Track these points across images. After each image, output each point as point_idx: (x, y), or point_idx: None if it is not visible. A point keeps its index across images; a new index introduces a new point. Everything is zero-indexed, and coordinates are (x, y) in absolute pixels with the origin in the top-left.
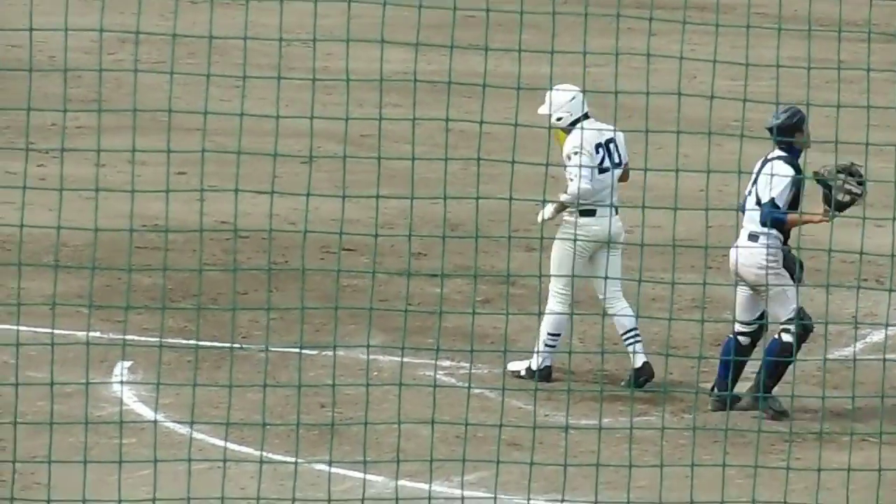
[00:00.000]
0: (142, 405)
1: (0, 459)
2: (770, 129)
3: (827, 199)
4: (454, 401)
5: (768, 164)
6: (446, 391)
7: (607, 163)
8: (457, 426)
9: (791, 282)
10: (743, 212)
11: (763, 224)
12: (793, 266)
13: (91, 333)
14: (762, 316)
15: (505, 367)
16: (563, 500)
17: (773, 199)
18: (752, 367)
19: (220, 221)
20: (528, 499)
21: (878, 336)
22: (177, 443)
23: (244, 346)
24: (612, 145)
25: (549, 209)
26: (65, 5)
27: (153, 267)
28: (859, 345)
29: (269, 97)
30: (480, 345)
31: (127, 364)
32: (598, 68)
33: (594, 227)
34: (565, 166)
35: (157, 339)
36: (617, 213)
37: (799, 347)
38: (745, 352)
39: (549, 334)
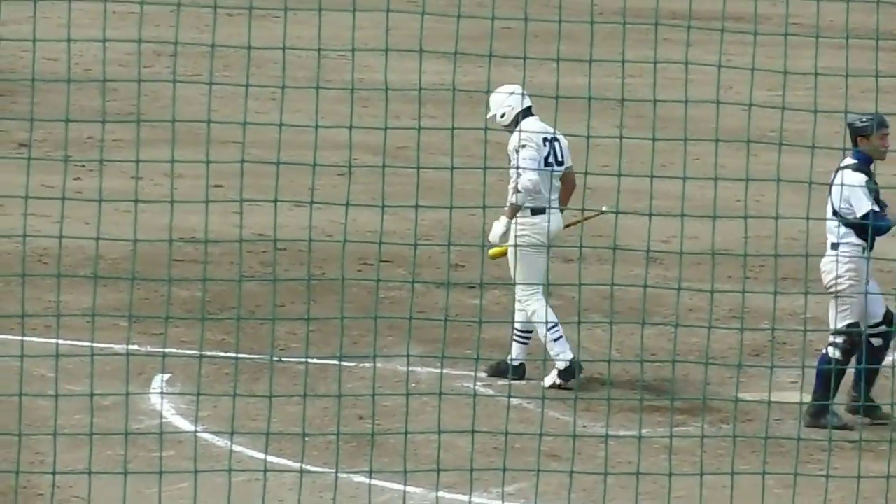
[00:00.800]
0: (180, 418)
1: (38, 471)
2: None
3: None
4: (491, 412)
5: (839, 174)
6: (483, 402)
7: (552, 158)
8: (494, 438)
9: (862, 292)
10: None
11: (876, 235)
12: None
13: (125, 346)
14: (888, 316)
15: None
16: None
17: (871, 211)
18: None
19: (258, 234)
20: None
21: None
22: (215, 455)
23: (283, 358)
24: (556, 144)
25: (501, 225)
26: (102, 18)
27: (192, 278)
28: None
29: (305, 109)
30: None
31: (165, 377)
32: (632, 79)
33: (545, 224)
34: (514, 166)
35: (195, 352)
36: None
37: (847, 360)
38: (878, 353)
39: (549, 330)
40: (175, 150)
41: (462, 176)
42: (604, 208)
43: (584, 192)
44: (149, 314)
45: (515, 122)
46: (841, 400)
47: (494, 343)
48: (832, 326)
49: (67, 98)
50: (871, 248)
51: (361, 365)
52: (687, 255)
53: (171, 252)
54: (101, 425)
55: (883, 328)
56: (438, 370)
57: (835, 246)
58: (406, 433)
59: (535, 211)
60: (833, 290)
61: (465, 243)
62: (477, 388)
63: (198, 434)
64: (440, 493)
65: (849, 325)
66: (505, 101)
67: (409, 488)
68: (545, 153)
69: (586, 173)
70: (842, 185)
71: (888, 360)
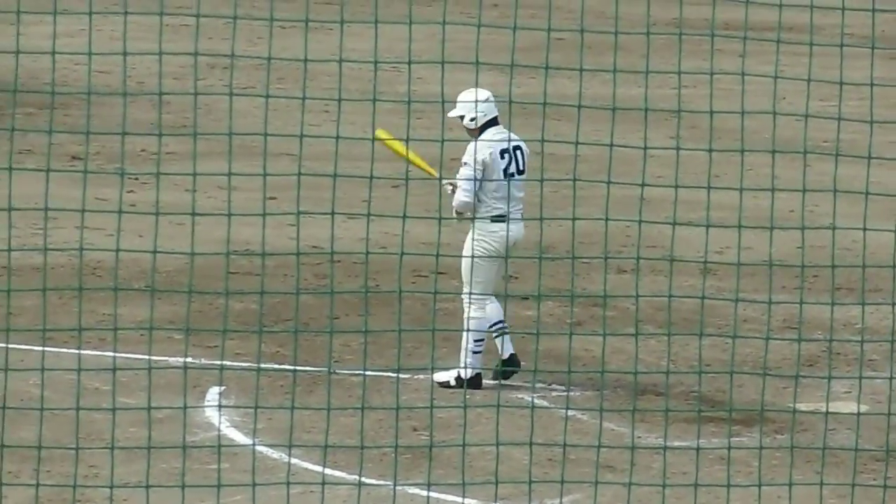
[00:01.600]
0: (235, 430)
1: (94, 485)
2: None
3: None
4: (546, 423)
5: None
6: (538, 414)
7: (513, 168)
8: (548, 449)
9: None
10: None
11: None
12: None
13: (180, 360)
14: None
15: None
16: None
17: None
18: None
19: (312, 246)
20: None
21: None
22: (270, 467)
23: (338, 370)
24: (518, 152)
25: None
26: (153, 31)
27: (248, 291)
28: None
29: (358, 122)
30: (573, 368)
31: (220, 389)
32: (685, 90)
33: (502, 232)
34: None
35: (250, 364)
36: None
37: None
38: None
39: (475, 341)
40: (226, 163)
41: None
42: (443, 182)
43: (640, 204)
44: (204, 327)
45: (481, 130)
46: None
47: (548, 355)
48: None
49: (124, 111)
50: None
51: (416, 377)
52: (743, 265)
53: (228, 265)
54: (156, 438)
55: None
56: (492, 382)
57: None
58: (464, 445)
59: (495, 219)
60: None
61: (519, 257)
62: (532, 399)
63: (253, 447)
64: None
65: None
66: (480, 104)
67: (467, 500)
68: (504, 164)
69: (643, 185)
70: None
71: None
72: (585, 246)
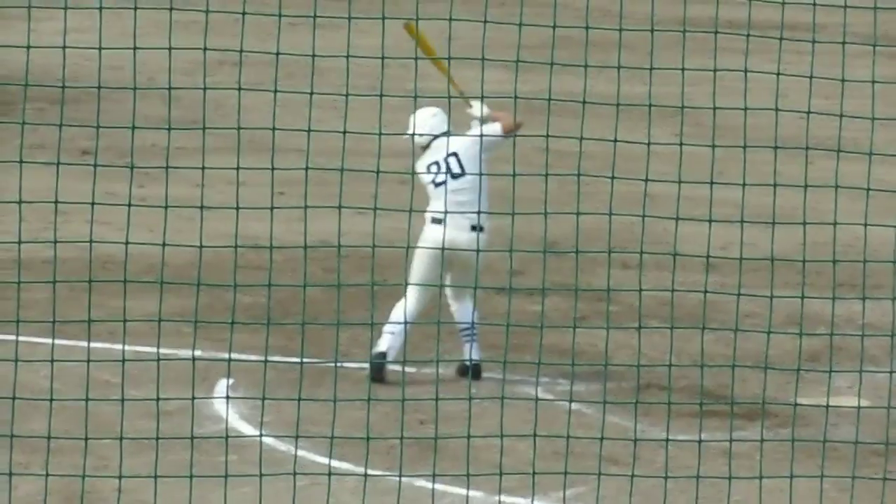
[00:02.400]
0: (243, 423)
1: (104, 475)
2: None
3: None
4: (550, 416)
5: None
6: (542, 407)
7: (441, 178)
8: (552, 442)
9: None
10: None
11: None
12: None
13: (189, 352)
14: None
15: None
16: None
17: None
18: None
19: (320, 241)
20: None
21: None
22: (278, 459)
23: (345, 363)
24: (452, 158)
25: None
26: (162, 27)
27: (257, 284)
28: None
29: (366, 118)
30: (577, 362)
31: (229, 382)
32: (688, 88)
33: (438, 235)
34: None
35: (258, 358)
36: (476, 225)
37: None
38: None
39: (391, 322)
40: (235, 158)
41: (520, 185)
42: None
43: (644, 200)
44: (213, 320)
45: (428, 144)
46: None
47: (552, 349)
48: None
49: (134, 105)
50: None
51: (422, 371)
52: (746, 260)
53: (237, 259)
54: (165, 430)
55: None
56: (498, 376)
57: None
58: (469, 437)
59: (434, 220)
60: None
61: (524, 253)
62: (536, 392)
63: (264, 439)
64: (500, 498)
65: None
66: (427, 121)
67: (472, 492)
68: (430, 178)
69: (647, 180)
70: None
71: None
72: (590, 242)
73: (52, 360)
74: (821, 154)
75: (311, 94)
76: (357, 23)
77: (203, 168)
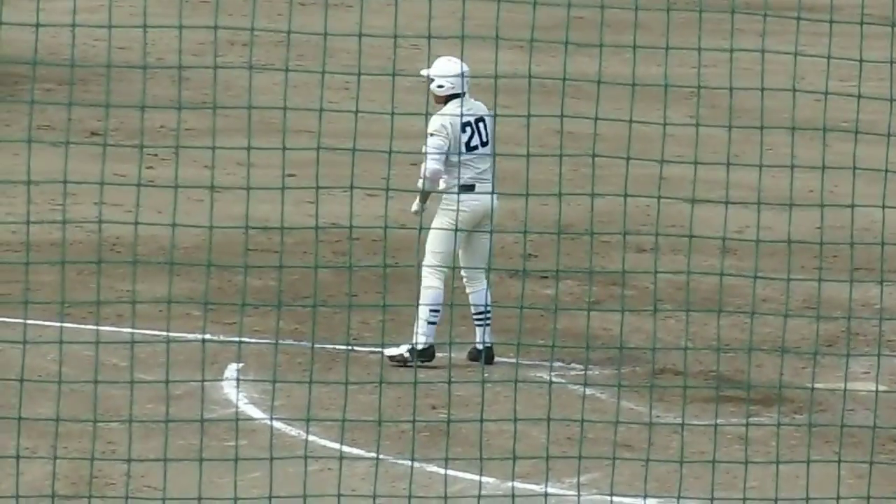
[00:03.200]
0: (252, 407)
1: (112, 459)
2: None
3: None
4: (564, 402)
5: None
6: (556, 392)
7: (475, 140)
8: (566, 428)
9: None
10: None
11: None
12: None
13: (199, 336)
14: None
15: (548, 363)
16: (679, 498)
17: None
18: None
19: (330, 223)
20: (645, 496)
21: None
22: (288, 444)
23: (356, 346)
24: (481, 124)
25: (416, 203)
26: (172, 7)
27: (268, 265)
28: None
29: (378, 99)
30: (591, 346)
31: (238, 366)
32: (704, 69)
33: (473, 202)
34: (423, 146)
35: (268, 340)
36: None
37: None
38: None
39: (430, 311)
40: (245, 139)
41: (533, 168)
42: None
43: (660, 181)
44: (223, 302)
45: (446, 99)
46: None
47: (566, 333)
48: None
49: (143, 86)
50: None
51: (439, 355)
52: (763, 243)
53: (248, 241)
54: (173, 415)
55: None
56: (511, 360)
57: None
58: (482, 421)
59: (463, 189)
60: None
61: (538, 234)
62: (550, 377)
63: (270, 423)
64: (514, 483)
65: None
66: (450, 72)
67: (484, 478)
68: (466, 137)
69: (662, 161)
70: None
71: None
72: (604, 225)
73: (61, 342)
74: (837, 136)
75: (323, 73)
76: (368, 2)
77: (214, 148)
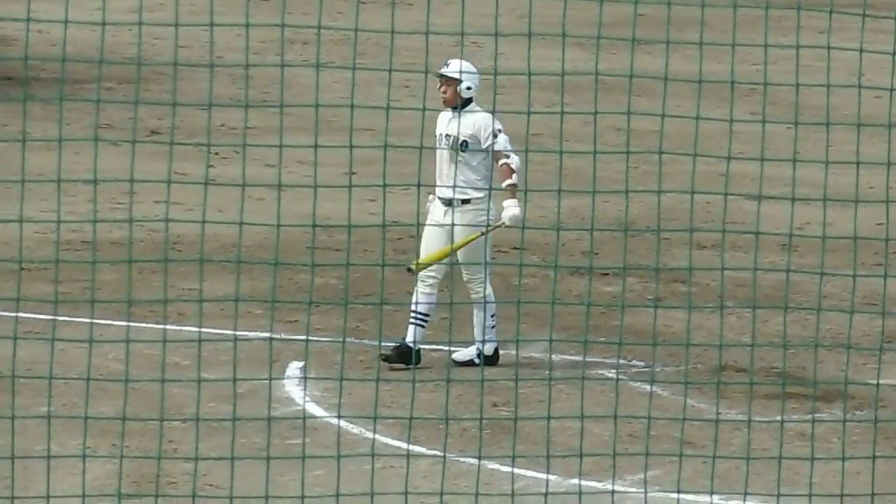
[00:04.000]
0: (314, 405)
1: (177, 458)
2: None
3: None
4: (626, 399)
5: None
6: (611, 390)
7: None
8: (628, 425)
9: None
10: None
11: None
12: None
13: (262, 334)
14: None
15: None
16: (745, 495)
17: None
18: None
19: (392, 221)
20: (711, 492)
21: None
22: (350, 442)
23: (422, 345)
24: None
25: (515, 206)
26: (232, 6)
27: (335, 263)
28: None
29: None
30: (657, 343)
31: (299, 364)
32: (763, 66)
33: (491, 208)
34: (484, 148)
35: (334, 339)
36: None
37: None
38: None
39: (491, 316)
40: (307, 138)
41: (592, 164)
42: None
43: (727, 177)
44: (288, 301)
45: (465, 102)
46: None
47: (628, 330)
48: None
49: (210, 84)
50: None
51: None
52: (829, 239)
53: (305, 241)
54: (236, 413)
55: None
56: (572, 357)
57: None
58: (549, 418)
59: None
60: None
61: (601, 232)
62: (611, 375)
63: (333, 421)
64: (575, 481)
65: None
66: (476, 79)
67: (545, 475)
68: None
69: (729, 158)
70: None
71: None
72: (665, 222)
73: (128, 341)
74: None
75: (391, 71)
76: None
77: (280, 147)
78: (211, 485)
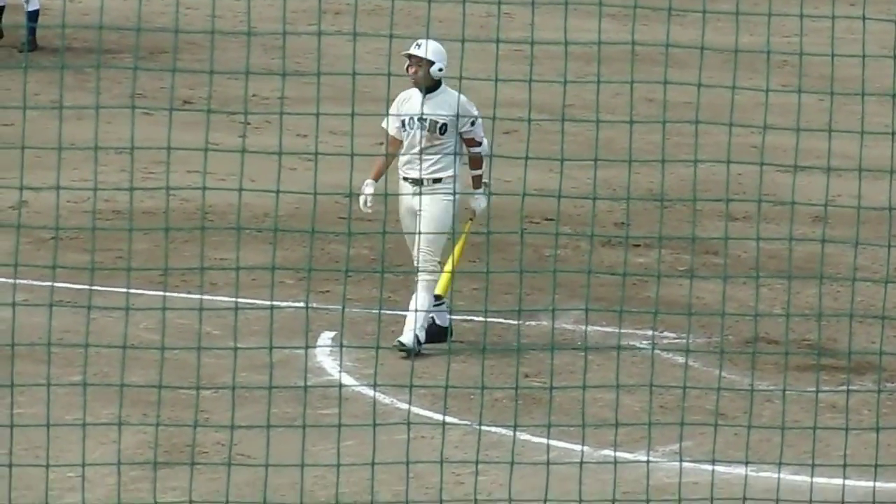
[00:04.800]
0: (346, 375)
1: (210, 425)
2: None
3: None
4: (657, 370)
5: None
6: (647, 360)
7: None
8: (658, 396)
9: None
10: None
11: None
12: None
13: (296, 304)
14: None
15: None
16: (780, 464)
17: None
18: None
19: None
20: (746, 462)
21: None
22: (381, 413)
23: (453, 315)
24: None
25: (483, 199)
26: None
27: (372, 231)
28: None
29: (470, 68)
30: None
31: (331, 334)
32: (794, 38)
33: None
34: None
35: (365, 309)
36: None
37: None
38: None
39: (436, 297)
40: (338, 108)
41: (624, 135)
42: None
43: (762, 148)
44: (324, 269)
45: (437, 83)
46: None
47: (661, 301)
48: None
49: (248, 52)
50: None
51: (527, 323)
52: (856, 211)
53: (336, 211)
54: (266, 383)
55: None
56: (603, 328)
57: None
58: (584, 387)
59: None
60: None
61: (633, 203)
62: (642, 345)
63: (364, 391)
64: (607, 451)
65: None
66: (444, 59)
67: (577, 446)
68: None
69: (765, 127)
70: None
71: None
72: (697, 193)
73: (164, 309)
74: None
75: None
76: None
77: (318, 114)
78: (242, 454)
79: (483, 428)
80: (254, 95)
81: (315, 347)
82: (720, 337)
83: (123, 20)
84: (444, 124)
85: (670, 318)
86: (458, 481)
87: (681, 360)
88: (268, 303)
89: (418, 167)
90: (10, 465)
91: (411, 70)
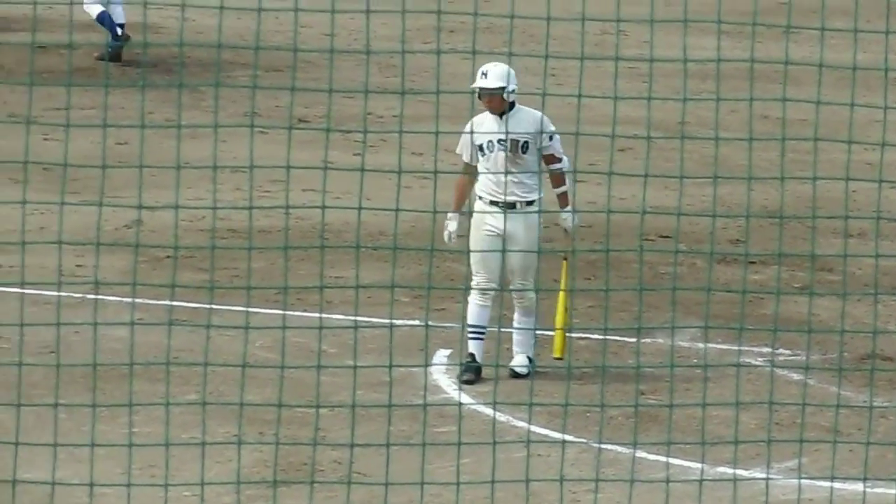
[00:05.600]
0: (462, 393)
1: (327, 444)
2: None
3: None
4: (762, 388)
5: None
6: (760, 378)
7: None
8: (774, 414)
9: None
10: None
11: None
12: None
13: (411, 322)
14: None
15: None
16: None
17: None
18: None
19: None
20: (865, 478)
21: None
22: (498, 431)
23: (573, 332)
24: None
25: (571, 216)
26: None
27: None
28: None
29: (584, 85)
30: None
31: (447, 352)
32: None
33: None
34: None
35: (490, 326)
36: None
37: None
38: None
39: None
40: (453, 126)
41: (739, 153)
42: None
43: (881, 165)
44: (442, 287)
45: (512, 104)
46: None
47: (778, 318)
48: None
49: (367, 70)
50: None
51: (643, 341)
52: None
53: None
54: (382, 401)
55: None
56: (718, 346)
57: None
58: (704, 405)
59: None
60: None
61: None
62: (756, 363)
63: (479, 409)
64: (721, 469)
65: None
66: (514, 78)
67: (693, 463)
68: None
69: (883, 144)
70: None
71: None
72: (809, 211)
73: (284, 328)
74: None
75: (546, 57)
76: None
77: (437, 133)
78: (359, 472)
79: (599, 446)
80: (369, 114)
81: (432, 365)
82: (837, 354)
83: (237, 38)
84: (526, 142)
85: (786, 336)
86: (575, 499)
87: (796, 377)
88: (384, 321)
89: (503, 190)
90: (129, 485)
91: (485, 101)
